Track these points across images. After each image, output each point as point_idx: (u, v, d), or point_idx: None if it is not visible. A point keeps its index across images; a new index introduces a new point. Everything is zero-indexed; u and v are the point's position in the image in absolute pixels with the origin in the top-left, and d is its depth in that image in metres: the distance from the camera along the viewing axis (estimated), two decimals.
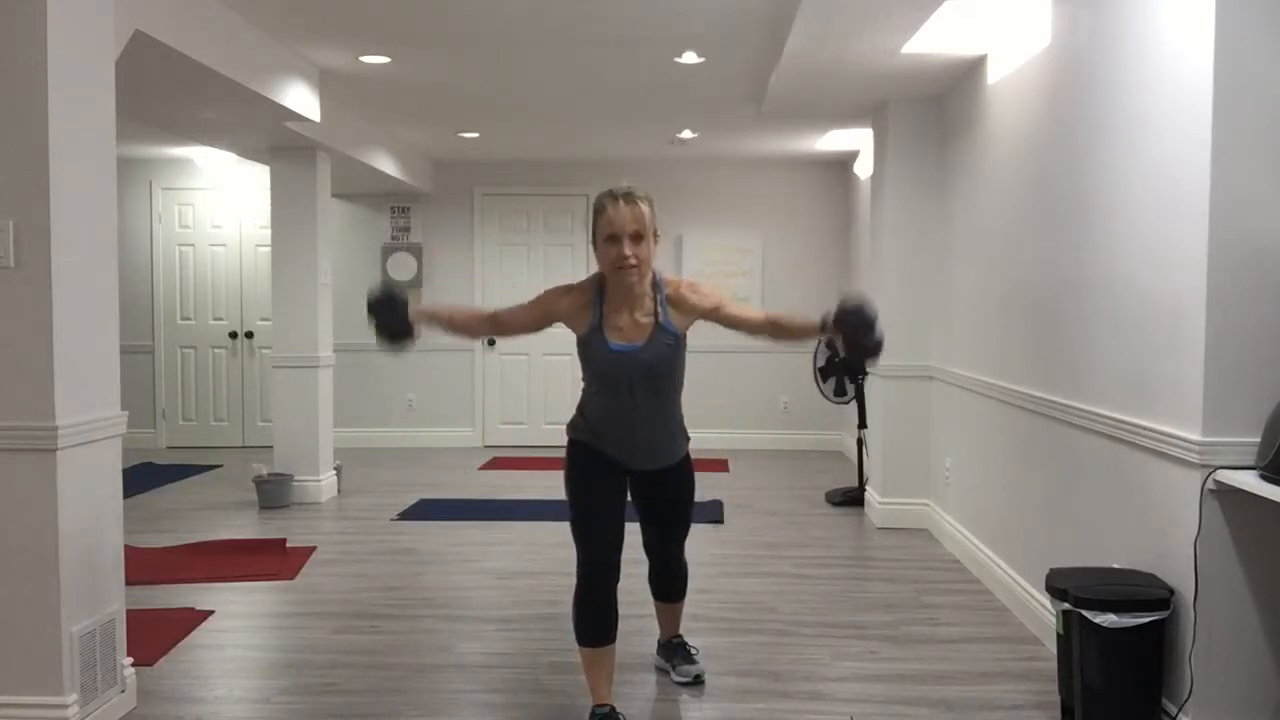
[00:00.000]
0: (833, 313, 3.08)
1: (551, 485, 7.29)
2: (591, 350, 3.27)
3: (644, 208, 3.17)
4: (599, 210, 3.19)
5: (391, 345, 3.24)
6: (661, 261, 3.68)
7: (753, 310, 3.38)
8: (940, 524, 5.81)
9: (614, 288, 3.22)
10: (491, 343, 9.49)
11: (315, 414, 6.89)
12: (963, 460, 5.44)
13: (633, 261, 3.14)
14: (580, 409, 3.41)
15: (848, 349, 3.08)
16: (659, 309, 3.26)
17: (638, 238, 3.15)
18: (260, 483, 6.70)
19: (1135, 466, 3.31)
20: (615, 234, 3.14)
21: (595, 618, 3.27)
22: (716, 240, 9.32)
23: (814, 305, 9.26)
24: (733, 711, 3.43)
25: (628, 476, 3.42)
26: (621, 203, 3.15)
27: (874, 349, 3.08)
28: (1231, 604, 2.89)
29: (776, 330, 3.28)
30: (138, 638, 3.86)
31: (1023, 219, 4.46)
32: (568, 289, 3.32)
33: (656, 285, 3.29)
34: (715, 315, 3.31)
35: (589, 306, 3.26)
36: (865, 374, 6.83)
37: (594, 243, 3.23)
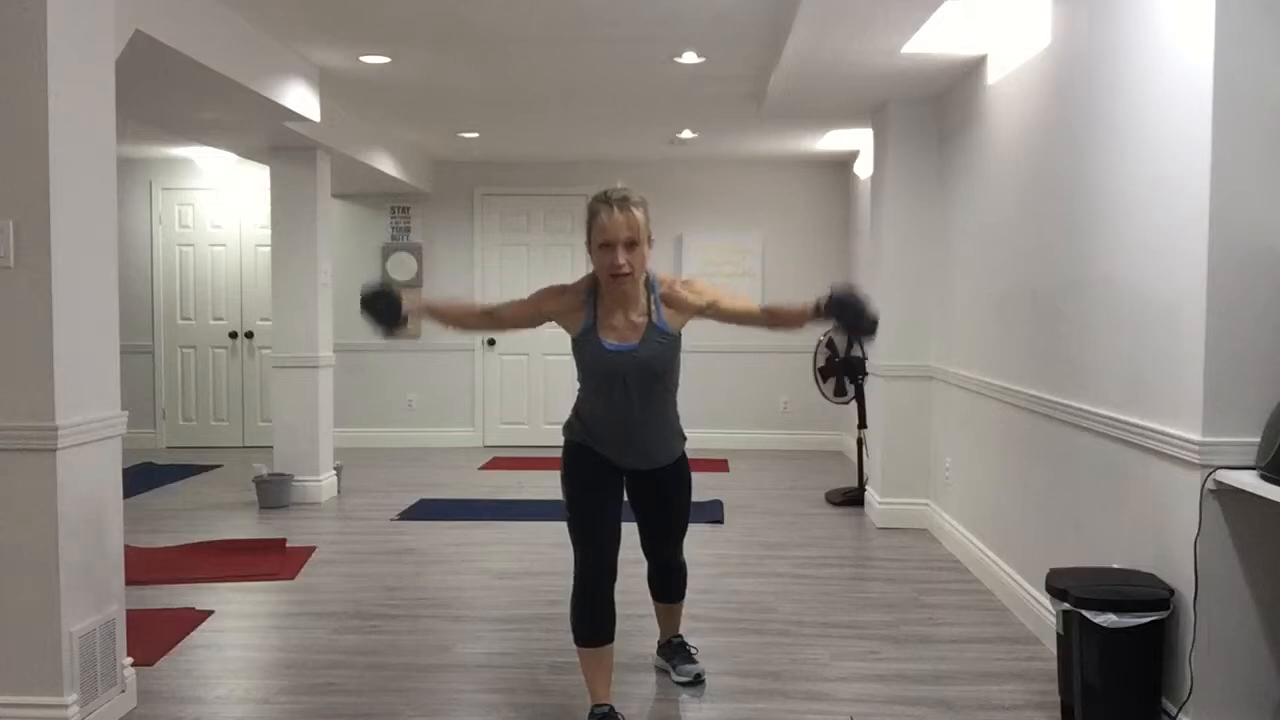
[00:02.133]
0: (825, 298, 3.15)
1: (551, 485, 7.27)
2: (586, 350, 3.27)
3: (638, 214, 3.16)
4: (593, 215, 3.18)
5: (386, 335, 3.26)
6: (661, 262, 3.68)
7: (748, 302, 3.43)
8: (940, 524, 5.81)
9: (608, 290, 3.23)
10: (491, 342, 9.49)
11: (315, 414, 6.89)
12: (963, 460, 5.44)
13: (626, 270, 3.14)
14: (575, 410, 3.41)
15: (844, 329, 3.21)
16: (652, 308, 3.27)
17: (631, 244, 3.14)
18: (260, 483, 6.70)
19: (1135, 466, 3.31)
20: (609, 241, 3.13)
21: (593, 618, 3.28)
22: (716, 240, 9.32)
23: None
24: (733, 711, 3.43)
25: (624, 477, 3.43)
26: (615, 209, 3.13)
27: (868, 328, 3.18)
28: (1231, 604, 2.89)
29: (773, 320, 3.34)
30: (138, 638, 3.85)
31: (1023, 219, 4.46)
32: (562, 289, 3.33)
33: (650, 285, 3.29)
34: (712, 311, 3.35)
35: (583, 307, 3.26)
36: (865, 374, 6.83)
37: (588, 246, 3.23)
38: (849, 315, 3.14)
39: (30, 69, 2.99)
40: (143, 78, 4.59)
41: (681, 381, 3.46)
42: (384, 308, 3.20)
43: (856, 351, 7.01)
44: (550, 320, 3.33)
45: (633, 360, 3.24)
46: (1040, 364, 4.21)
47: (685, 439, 3.53)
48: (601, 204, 3.17)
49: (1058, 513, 4.01)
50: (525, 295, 3.37)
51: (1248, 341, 2.85)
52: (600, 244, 3.15)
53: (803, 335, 9.48)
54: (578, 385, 3.41)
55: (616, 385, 3.28)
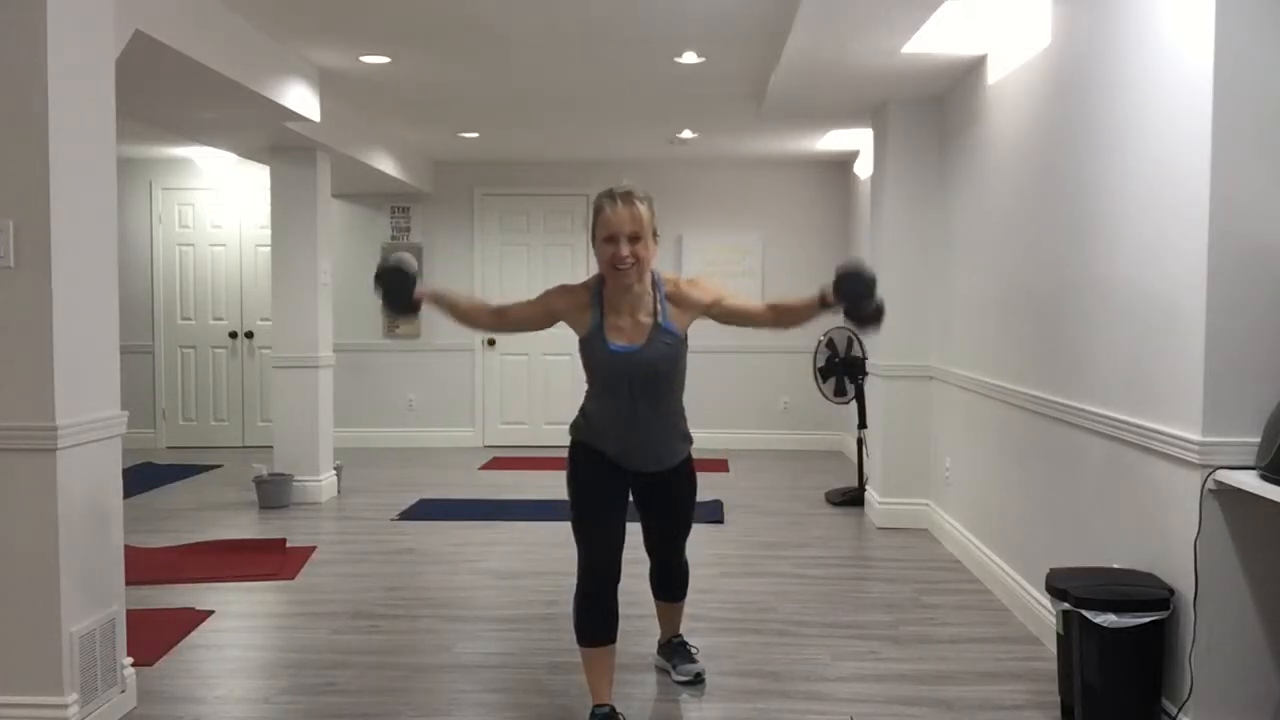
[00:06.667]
0: (832, 281, 3.12)
1: (552, 485, 7.28)
2: (592, 351, 3.28)
3: (642, 209, 3.18)
4: (598, 210, 3.21)
5: (393, 315, 3.27)
6: (662, 262, 3.68)
7: (752, 300, 3.42)
8: (940, 524, 5.81)
9: (613, 288, 3.24)
10: (491, 342, 9.49)
11: (315, 414, 6.89)
12: (963, 460, 5.44)
13: (629, 261, 3.15)
14: (582, 410, 3.41)
15: (852, 310, 3.14)
16: (658, 308, 3.27)
17: (635, 238, 3.16)
18: (260, 483, 6.70)
19: (1135, 466, 3.31)
20: (613, 234, 3.16)
21: (595, 618, 3.27)
22: (716, 240, 9.32)
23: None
24: (733, 711, 3.43)
25: (629, 477, 3.43)
26: (620, 203, 3.16)
27: (873, 317, 3.15)
28: (1231, 604, 2.89)
29: (779, 316, 3.31)
30: (138, 638, 3.85)
31: (1023, 219, 4.46)
32: (570, 289, 3.34)
33: (655, 284, 3.30)
34: (716, 309, 3.34)
35: (589, 307, 3.27)
36: (865, 374, 6.83)
37: (593, 242, 3.25)
38: (856, 293, 3.09)
39: (30, 69, 2.99)
40: (143, 78, 4.59)
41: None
42: (397, 285, 3.21)
43: (857, 350, 7.01)
44: (559, 320, 3.34)
45: (638, 361, 3.25)
46: (1040, 364, 4.21)
47: (691, 441, 3.52)
48: (606, 199, 3.20)
49: (1058, 513, 4.01)
50: (533, 297, 3.38)
51: (1248, 341, 2.85)
52: (604, 237, 3.18)
53: (804, 334, 9.46)
54: (585, 385, 3.42)
55: (622, 387, 3.28)
